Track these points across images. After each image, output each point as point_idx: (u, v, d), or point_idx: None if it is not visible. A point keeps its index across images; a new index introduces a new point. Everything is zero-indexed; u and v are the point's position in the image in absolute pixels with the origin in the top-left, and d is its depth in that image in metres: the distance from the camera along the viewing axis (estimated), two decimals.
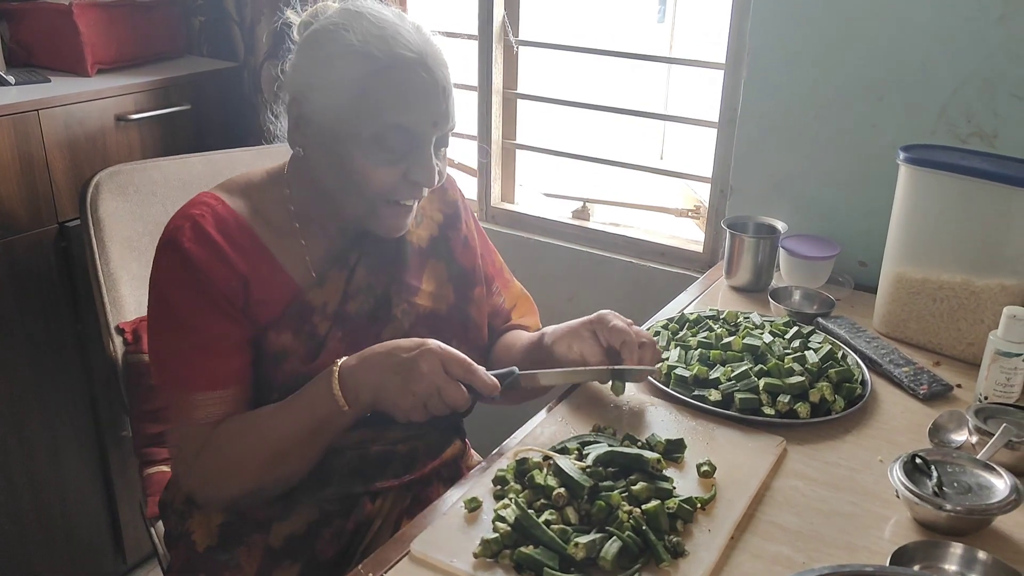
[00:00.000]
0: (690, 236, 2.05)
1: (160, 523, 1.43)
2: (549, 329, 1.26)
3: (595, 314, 1.22)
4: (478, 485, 1.05)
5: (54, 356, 1.85)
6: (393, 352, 1.05)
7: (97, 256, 1.50)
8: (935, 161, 1.35)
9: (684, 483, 1.04)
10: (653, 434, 1.12)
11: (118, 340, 1.50)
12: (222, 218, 1.11)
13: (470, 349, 1.20)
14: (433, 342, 1.05)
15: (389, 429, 1.19)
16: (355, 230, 1.19)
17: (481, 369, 1.06)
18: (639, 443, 1.10)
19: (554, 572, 0.88)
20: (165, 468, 1.49)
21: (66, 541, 1.96)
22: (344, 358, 1.07)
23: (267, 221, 1.15)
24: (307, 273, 1.16)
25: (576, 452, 1.07)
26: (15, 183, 1.71)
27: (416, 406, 1.03)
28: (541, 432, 1.16)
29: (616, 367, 1.18)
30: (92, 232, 1.50)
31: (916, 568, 0.91)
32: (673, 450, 1.09)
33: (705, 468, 1.06)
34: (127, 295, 1.52)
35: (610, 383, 1.21)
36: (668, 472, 1.05)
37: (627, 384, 1.21)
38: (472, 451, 1.39)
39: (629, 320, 1.21)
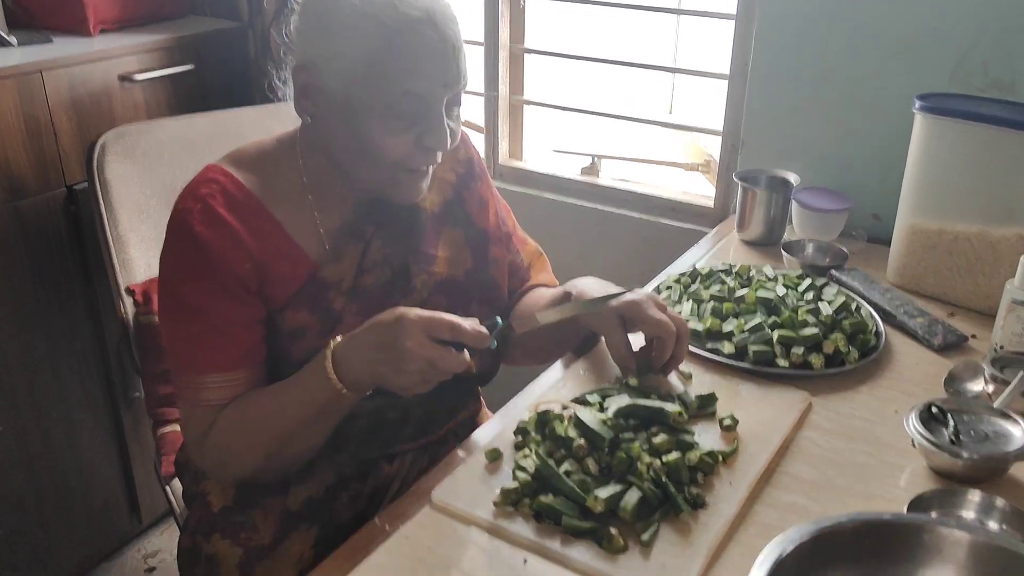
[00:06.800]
0: (700, 191, 2.03)
1: (175, 481, 1.44)
2: (575, 291, 1.21)
3: (628, 299, 1.14)
4: (499, 437, 1.05)
5: (66, 319, 1.85)
6: (374, 329, 1.00)
7: (106, 219, 1.50)
8: (951, 109, 1.34)
9: (707, 437, 1.04)
10: (686, 391, 1.12)
11: (128, 301, 1.50)
12: (232, 196, 1.08)
13: (491, 311, 1.18)
14: (408, 311, 0.98)
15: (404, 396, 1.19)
16: (368, 200, 1.16)
17: (467, 324, 0.98)
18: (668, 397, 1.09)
19: (573, 520, 0.89)
20: (179, 428, 1.49)
21: (82, 503, 1.98)
22: (337, 339, 1.04)
23: (279, 194, 1.11)
24: (321, 247, 1.13)
25: (597, 405, 1.07)
26: (21, 146, 1.69)
27: (416, 382, 0.99)
28: (563, 385, 1.16)
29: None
30: (100, 195, 1.50)
31: (933, 515, 0.92)
32: (705, 405, 1.09)
33: (728, 422, 1.06)
34: (136, 257, 1.52)
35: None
36: (693, 425, 1.05)
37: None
38: (487, 410, 1.39)
39: (663, 303, 1.15)
